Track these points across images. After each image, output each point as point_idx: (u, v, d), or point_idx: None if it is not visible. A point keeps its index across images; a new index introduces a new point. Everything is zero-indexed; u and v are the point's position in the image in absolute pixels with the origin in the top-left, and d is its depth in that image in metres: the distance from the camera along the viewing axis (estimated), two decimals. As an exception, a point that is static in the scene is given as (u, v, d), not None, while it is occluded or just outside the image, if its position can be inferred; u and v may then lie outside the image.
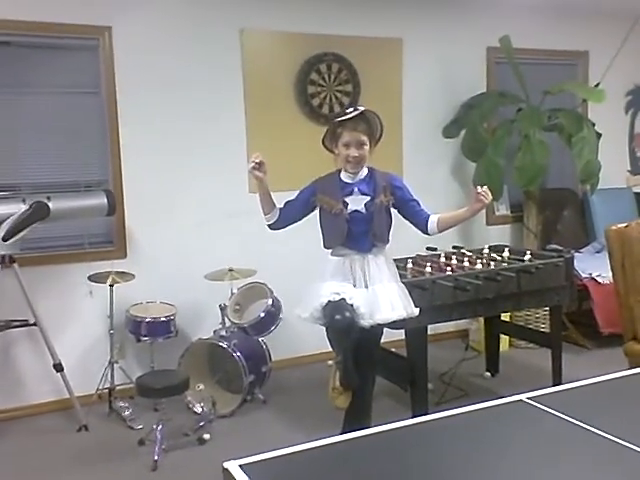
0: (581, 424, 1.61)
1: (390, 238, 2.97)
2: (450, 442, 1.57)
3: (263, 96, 4.64)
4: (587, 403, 1.76)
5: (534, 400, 1.74)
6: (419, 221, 2.98)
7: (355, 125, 2.80)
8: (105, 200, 3.89)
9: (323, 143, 2.96)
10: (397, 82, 5.10)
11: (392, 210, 2.96)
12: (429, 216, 2.97)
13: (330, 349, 2.92)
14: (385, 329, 3.00)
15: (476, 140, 5.11)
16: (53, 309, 4.04)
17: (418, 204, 3.00)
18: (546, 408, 1.70)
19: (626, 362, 3.41)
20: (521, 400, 1.75)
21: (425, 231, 2.99)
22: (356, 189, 2.89)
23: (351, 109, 2.84)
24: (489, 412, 1.69)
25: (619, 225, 3.28)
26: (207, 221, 4.51)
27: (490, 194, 2.82)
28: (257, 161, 2.81)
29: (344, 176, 2.92)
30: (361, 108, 2.84)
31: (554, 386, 3.89)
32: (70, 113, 4.15)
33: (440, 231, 2.99)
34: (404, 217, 3.00)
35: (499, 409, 1.70)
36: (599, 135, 5.11)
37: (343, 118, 2.82)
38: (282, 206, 3.02)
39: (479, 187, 2.84)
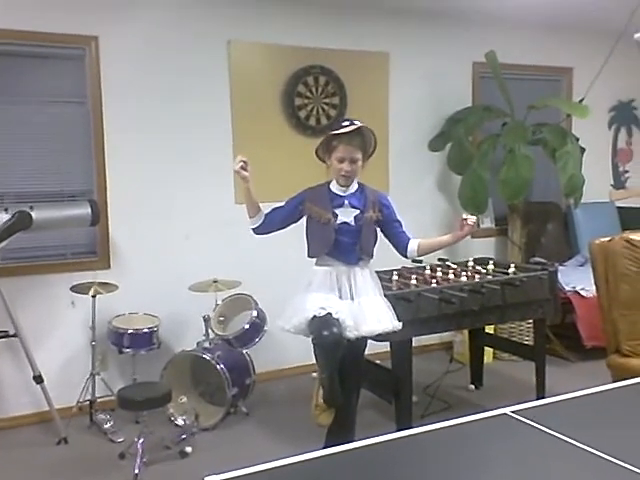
0: (565, 438, 1.60)
1: (374, 253, 2.98)
2: (434, 457, 1.55)
3: (250, 107, 4.64)
4: (571, 417, 1.76)
5: (518, 414, 1.74)
6: (399, 242, 3.02)
7: (350, 139, 2.82)
8: (89, 210, 3.86)
9: (316, 153, 2.96)
10: (383, 95, 5.13)
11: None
12: (409, 240, 3.01)
13: (315, 362, 2.90)
14: (369, 341, 3.00)
15: (462, 154, 5.15)
16: (34, 320, 3.98)
17: (401, 225, 3.04)
18: (530, 422, 1.69)
19: (609, 375, 3.42)
20: (505, 414, 1.74)
21: (404, 254, 3.04)
22: (346, 202, 2.90)
23: (347, 122, 2.85)
24: (473, 426, 1.68)
25: (602, 239, 3.31)
26: (192, 232, 4.48)
27: (476, 222, 2.88)
28: (244, 159, 2.82)
29: (335, 188, 2.93)
30: (358, 123, 2.85)
31: (538, 399, 3.98)
32: (55, 122, 4.12)
33: (419, 255, 3.06)
34: (385, 236, 3.04)
35: (483, 423, 1.69)
36: (583, 150, 5.16)
37: (340, 132, 2.82)
38: (268, 211, 3.00)
39: (465, 214, 2.89)
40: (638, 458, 1.48)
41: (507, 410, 1.75)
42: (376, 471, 1.46)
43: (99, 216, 3.93)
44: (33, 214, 3.63)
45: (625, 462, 1.47)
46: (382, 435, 1.62)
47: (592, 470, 1.48)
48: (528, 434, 1.65)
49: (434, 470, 1.49)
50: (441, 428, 1.65)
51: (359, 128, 2.83)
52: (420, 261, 4.05)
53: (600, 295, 3.31)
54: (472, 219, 2.85)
